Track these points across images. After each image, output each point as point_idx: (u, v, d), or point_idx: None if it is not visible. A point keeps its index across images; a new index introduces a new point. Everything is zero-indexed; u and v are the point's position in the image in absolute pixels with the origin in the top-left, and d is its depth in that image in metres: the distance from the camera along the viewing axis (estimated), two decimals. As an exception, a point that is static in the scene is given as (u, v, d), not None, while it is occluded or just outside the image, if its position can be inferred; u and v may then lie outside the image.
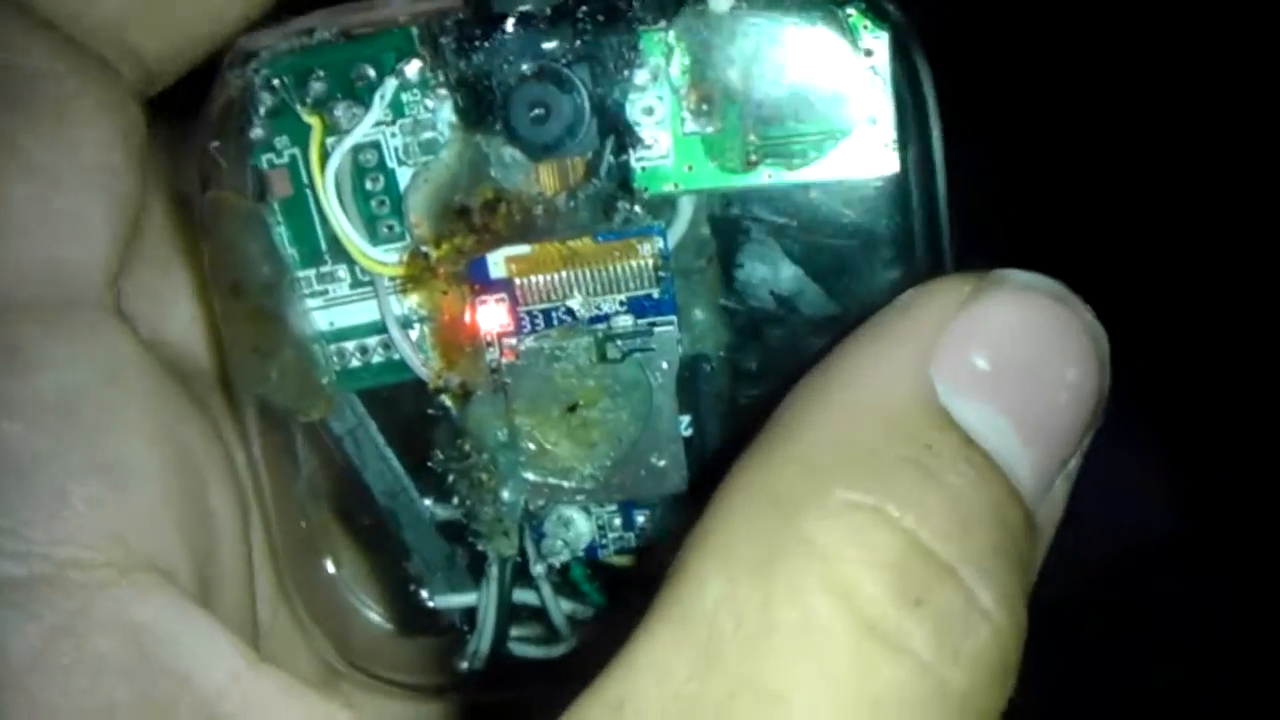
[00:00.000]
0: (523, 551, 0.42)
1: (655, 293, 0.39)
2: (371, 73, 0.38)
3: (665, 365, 0.39)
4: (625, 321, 0.40)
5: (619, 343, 0.39)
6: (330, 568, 0.45)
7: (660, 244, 0.39)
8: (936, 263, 0.38)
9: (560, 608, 0.43)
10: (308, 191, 0.39)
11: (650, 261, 0.39)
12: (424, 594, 0.44)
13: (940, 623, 0.27)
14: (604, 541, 0.42)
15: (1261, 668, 0.76)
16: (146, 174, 0.39)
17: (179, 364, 0.42)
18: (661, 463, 0.40)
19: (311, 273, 0.40)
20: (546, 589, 0.42)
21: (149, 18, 0.39)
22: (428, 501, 0.43)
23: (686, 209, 0.39)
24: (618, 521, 0.42)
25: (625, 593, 0.43)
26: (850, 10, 0.36)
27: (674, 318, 0.39)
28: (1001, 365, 0.32)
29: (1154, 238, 0.79)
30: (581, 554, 0.42)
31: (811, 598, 0.28)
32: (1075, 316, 0.33)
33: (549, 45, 0.37)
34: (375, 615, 0.45)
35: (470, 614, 0.43)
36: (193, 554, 0.36)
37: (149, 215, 0.44)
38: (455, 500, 0.41)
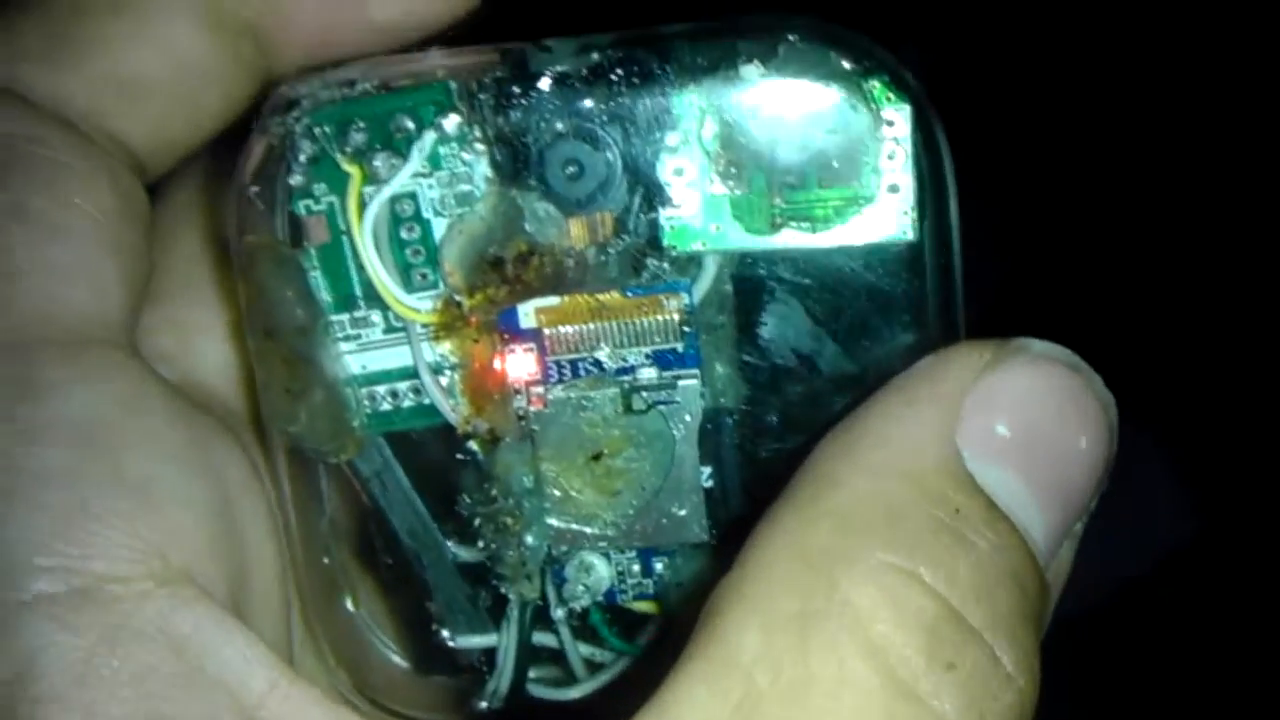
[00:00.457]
0: (544, 595, 0.43)
1: (680, 347, 0.41)
2: (410, 125, 0.39)
3: (688, 418, 0.40)
4: (650, 374, 0.41)
5: (644, 394, 0.40)
6: (350, 606, 0.45)
7: (686, 300, 0.40)
8: (951, 326, 0.39)
9: (578, 651, 0.44)
10: (344, 238, 0.40)
11: (676, 317, 0.40)
12: (445, 633, 0.44)
13: (969, 687, 0.29)
14: (623, 587, 0.43)
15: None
16: (151, 238, 0.40)
17: (209, 403, 0.43)
18: (682, 512, 0.41)
19: (345, 317, 0.41)
20: (566, 633, 0.43)
21: (126, 108, 0.40)
22: (450, 543, 0.44)
23: (711, 267, 0.40)
24: (636, 568, 0.43)
25: (642, 637, 0.44)
26: (874, 82, 0.38)
27: (697, 371, 0.41)
28: (1021, 432, 0.34)
29: (1157, 263, 0.80)
30: (601, 599, 0.43)
31: (848, 656, 0.29)
32: (1088, 386, 0.35)
33: (584, 105, 0.38)
34: (394, 654, 0.46)
35: (490, 654, 0.44)
36: (226, 569, 0.37)
37: (180, 256, 0.45)
38: (480, 544, 0.41)
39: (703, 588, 0.42)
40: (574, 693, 0.44)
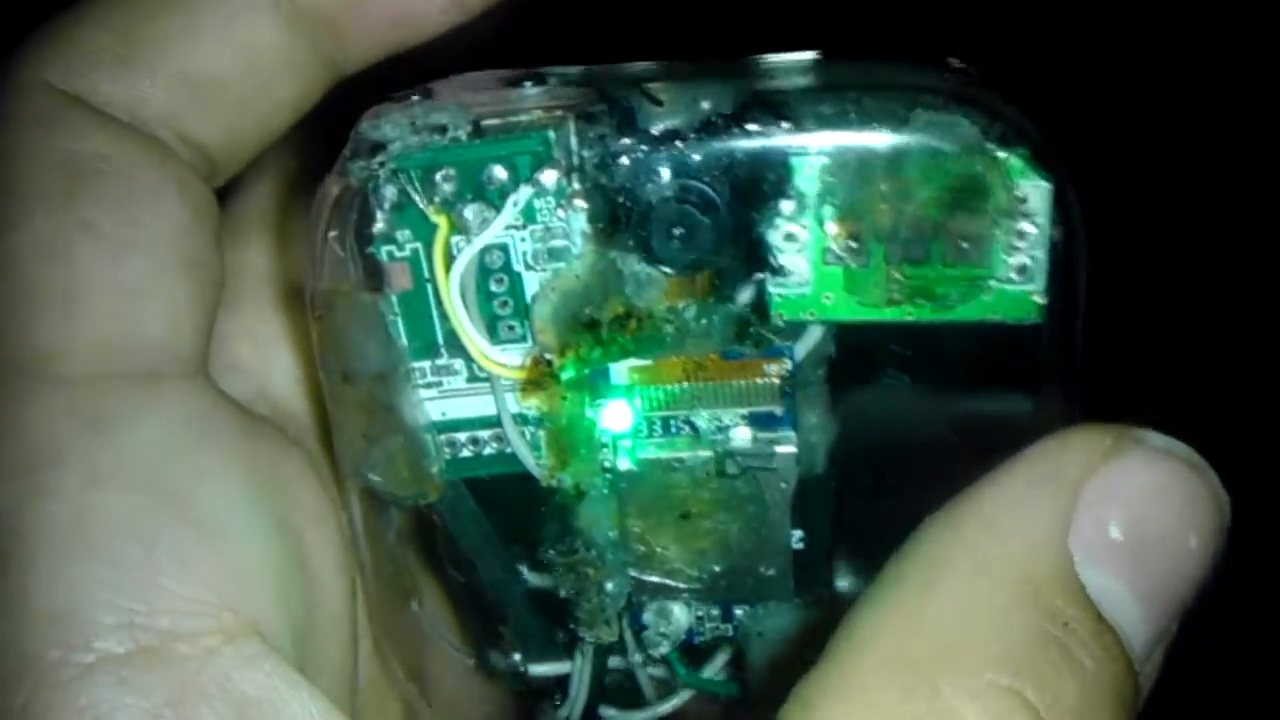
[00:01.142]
0: (621, 637, 0.42)
1: (778, 410, 0.39)
2: (504, 176, 0.36)
3: (784, 485, 0.39)
4: (744, 435, 0.39)
5: (737, 459, 0.39)
6: (417, 610, 0.45)
7: (788, 365, 0.38)
8: (1067, 409, 0.37)
9: (650, 679, 0.44)
10: (428, 286, 0.38)
11: (775, 381, 0.38)
12: (517, 657, 0.44)
13: None
14: (701, 630, 0.43)
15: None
16: (220, 249, 0.38)
17: (280, 416, 0.42)
18: (770, 572, 0.40)
19: (426, 364, 0.39)
20: (641, 672, 0.43)
21: (200, 108, 0.38)
22: (524, 570, 0.43)
23: (816, 333, 0.38)
24: (716, 612, 0.42)
25: (710, 668, 0.44)
26: (1013, 156, 0.34)
27: (794, 435, 0.39)
28: (1134, 535, 0.33)
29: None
30: (680, 641, 0.43)
31: None
32: (1205, 484, 0.34)
33: (694, 163, 0.35)
34: (462, 659, 0.46)
35: (561, 679, 0.44)
36: (293, 615, 0.36)
37: (257, 259, 0.43)
38: (559, 590, 0.41)
39: (783, 639, 0.42)
40: (641, 716, 0.45)
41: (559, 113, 0.36)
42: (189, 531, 0.34)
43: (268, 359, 0.43)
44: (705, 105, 0.35)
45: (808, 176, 0.35)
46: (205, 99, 0.38)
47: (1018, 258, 0.35)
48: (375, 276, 0.38)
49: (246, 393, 0.41)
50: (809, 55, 0.37)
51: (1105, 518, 0.32)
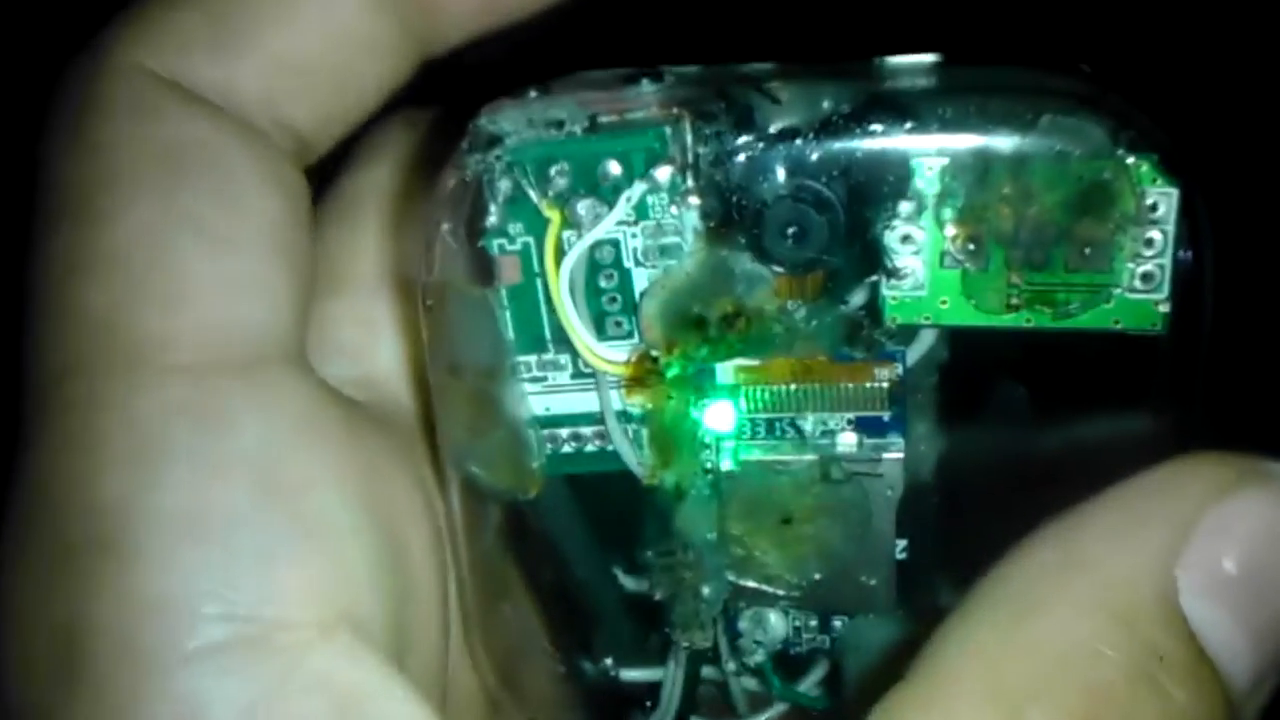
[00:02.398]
0: (715, 644, 0.42)
1: (886, 416, 0.38)
2: (619, 171, 0.36)
3: (890, 492, 0.38)
4: (850, 439, 0.38)
5: (843, 464, 0.38)
6: (509, 612, 0.45)
7: (899, 370, 0.38)
8: (1187, 429, 0.36)
9: (743, 690, 0.43)
10: (538, 280, 0.38)
11: (885, 385, 0.38)
12: (609, 661, 0.44)
13: None
14: (798, 640, 0.42)
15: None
16: (313, 237, 0.39)
17: (383, 401, 0.42)
18: (871, 582, 0.39)
19: (533, 359, 0.39)
20: (734, 682, 0.42)
21: (295, 91, 0.38)
22: (619, 573, 0.43)
23: (929, 337, 0.37)
24: (814, 622, 0.42)
25: (805, 683, 0.43)
26: (1143, 161, 0.34)
27: (902, 441, 0.38)
28: (1248, 570, 0.32)
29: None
30: (775, 650, 0.42)
31: None
32: None
33: (811, 163, 0.35)
34: (552, 662, 0.46)
35: (652, 686, 0.44)
36: (389, 612, 0.36)
37: (366, 242, 0.43)
38: (655, 592, 0.40)
39: (881, 655, 0.41)
40: (734, 725, 0.44)
41: (675, 110, 0.36)
42: (292, 525, 0.34)
43: (373, 343, 0.42)
44: (825, 104, 0.35)
45: (928, 178, 0.35)
46: (298, 82, 0.38)
47: (1143, 265, 0.35)
48: (486, 270, 0.38)
49: (350, 376, 0.41)
50: (930, 58, 0.37)
51: (1219, 552, 0.31)
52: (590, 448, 0.40)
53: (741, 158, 0.35)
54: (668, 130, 0.35)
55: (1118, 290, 0.35)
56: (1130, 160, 0.34)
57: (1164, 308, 0.35)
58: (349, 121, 0.40)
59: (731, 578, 0.40)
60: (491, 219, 0.37)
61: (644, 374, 0.38)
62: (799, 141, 0.35)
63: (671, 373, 0.37)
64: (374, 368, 0.43)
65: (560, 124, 0.36)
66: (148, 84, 0.36)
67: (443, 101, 0.47)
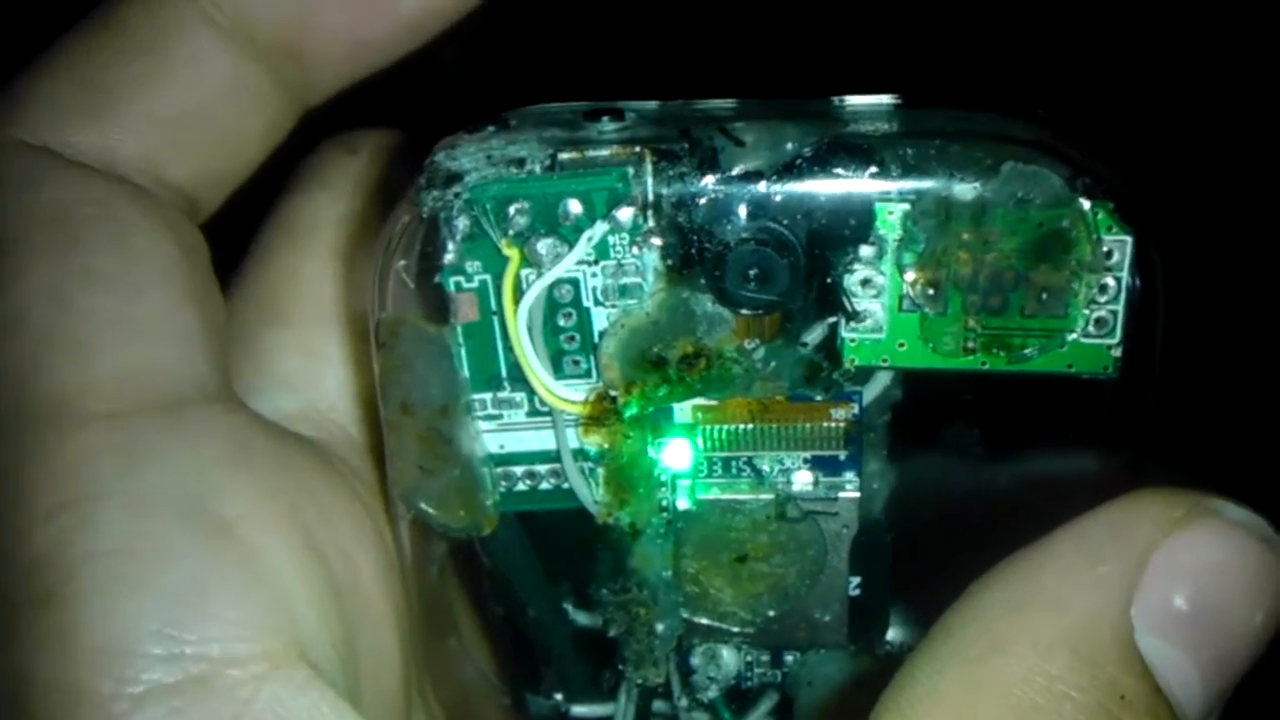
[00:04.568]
0: (667, 680, 0.41)
1: (842, 455, 0.38)
2: (579, 211, 0.35)
3: (844, 530, 0.39)
4: (806, 478, 0.39)
5: (799, 503, 0.38)
6: (455, 648, 0.44)
7: (855, 410, 0.38)
8: (1136, 469, 0.37)
9: (693, 721, 0.43)
10: (495, 318, 0.37)
11: (842, 425, 0.38)
12: (558, 697, 0.44)
13: None
14: (749, 675, 0.42)
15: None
16: (213, 279, 0.39)
17: (328, 433, 0.41)
18: (825, 618, 0.40)
19: (488, 396, 0.38)
20: (685, 717, 0.42)
21: (173, 148, 0.38)
22: (570, 608, 0.43)
23: (884, 378, 0.38)
24: (765, 658, 0.42)
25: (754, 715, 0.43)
26: (1097, 208, 0.34)
27: (857, 479, 0.39)
28: (1199, 607, 0.32)
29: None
30: (727, 686, 0.42)
31: None
32: (1276, 560, 0.33)
33: (774, 205, 0.35)
34: (500, 698, 0.45)
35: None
36: (339, 640, 0.36)
37: (310, 276, 0.42)
38: (609, 629, 0.40)
39: (832, 690, 0.41)
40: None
41: (637, 149, 0.35)
42: (227, 557, 0.33)
43: (318, 374, 0.42)
44: (789, 146, 0.35)
45: (889, 222, 0.35)
46: (175, 139, 0.38)
47: (1097, 311, 0.35)
48: (441, 307, 0.37)
49: (293, 409, 0.41)
50: (890, 99, 0.37)
51: (1171, 590, 0.32)
52: (545, 485, 0.40)
53: (704, 199, 0.35)
54: (630, 170, 0.35)
55: (1072, 335, 0.35)
56: (1087, 207, 0.34)
57: (1116, 352, 0.36)
58: (234, 176, 0.40)
59: (686, 615, 0.40)
60: (449, 256, 0.36)
61: (602, 414, 0.37)
62: (762, 184, 0.35)
63: (630, 412, 0.37)
64: (319, 398, 0.42)
65: (521, 162, 0.35)
66: (25, 155, 0.36)
67: (376, 122, 0.46)
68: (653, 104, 0.37)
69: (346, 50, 0.40)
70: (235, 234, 0.43)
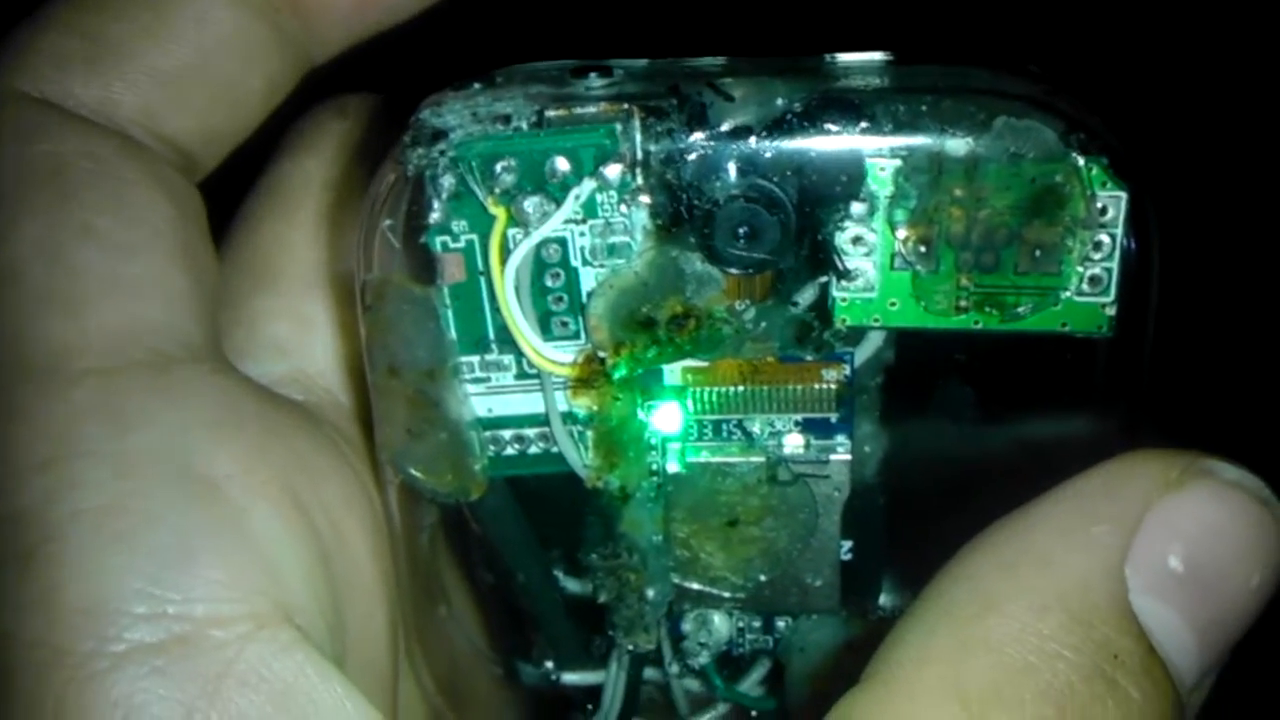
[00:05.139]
0: (659, 646, 0.41)
1: (833, 417, 0.38)
2: (567, 168, 0.35)
3: (836, 493, 0.38)
4: (797, 441, 0.38)
5: (790, 465, 0.38)
6: (444, 616, 0.44)
7: (846, 371, 0.37)
8: (1132, 429, 0.36)
9: (685, 692, 0.43)
10: (481, 279, 0.36)
11: (833, 386, 0.37)
12: (548, 665, 0.43)
13: None
14: (741, 641, 0.42)
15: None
16: (209, 240, 0.39)
17: (317, 397, 0.41)
18: (817, 583, 0.39)
19: (475, 359, 0.38)
20: (676, 683, 0.42)
21: (173, 103, 0.38)
22: (560, 575, 0.42)
23: (876, 339, 0.37)
24: (757, 624, 0.42)
25: (747, 683, 0.43)
26: (1091, 164, 0.34)
27: (849, 442, 0.38)
28: (1194, 567, 0.32)
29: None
30: (719, 652, 0.42)
31: None
32: (1273, 520, 0.33)
33: (763, 162, 0.34)
34: (491, 666, 0.45)
35: (594, 688, 0.43)
36: (325, 603, 0.35)
37: (300, 241, 0.42)
38: (599, 595, 0.40)
39: (824, 655, 0.41)
40: (675, 726, 0.44)
41: (625, 106, 0.35)
42: (212, 518, 0.33)
43: (307, 338, 0.41)
44: (779, 102, 0.34)
45: (881, 179, 0.34)
46: (176, 96, 0.38)
47: (1091, 269, 0.35)
48: (428, 268, 0.37)
49: (282, 373, 0.41)
50: (881, 56, 0.36)
51: (1165, 548, 0.32)
52: (534, 450, 0.39)
53: (693, 156, 0.34)
54: (618, 127, 0.34)
55: (1066, 293, 0.35)
56: (1081, 162, 0.34)
57: (1110, 310, 0.35)
58: (235, 133, 0.40)
59: (676, 580, 0.40)
60: (435, 215, 0.36)
61: (590, 375, 0.37)
62: (752, 140, 0.34)
63: (618, 374, 0.37)
64: (307, 363, 0.41)
65: (507, 119, 0.35)
66: (25, 107, 0.36)
67: (373, 88, 0.46)
68: (642, 62, 0.37)
69: (351, 6, 0.40)
70: (234, 194, 0.42)
